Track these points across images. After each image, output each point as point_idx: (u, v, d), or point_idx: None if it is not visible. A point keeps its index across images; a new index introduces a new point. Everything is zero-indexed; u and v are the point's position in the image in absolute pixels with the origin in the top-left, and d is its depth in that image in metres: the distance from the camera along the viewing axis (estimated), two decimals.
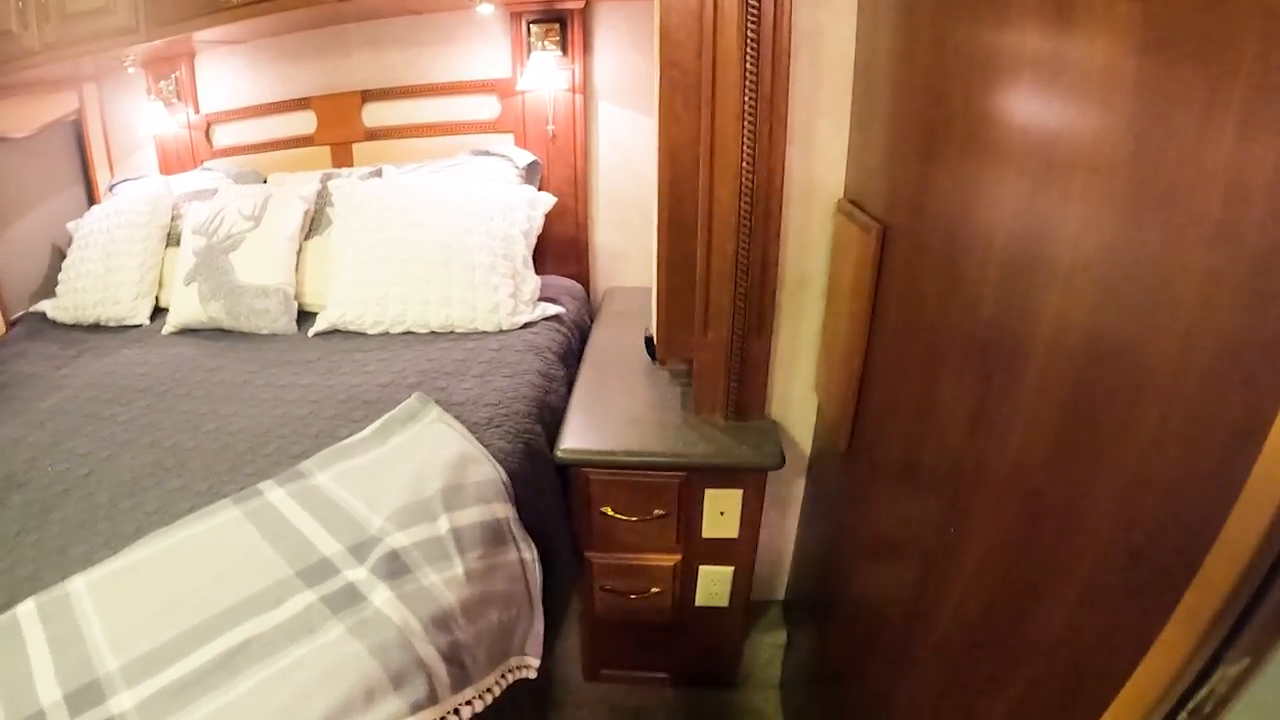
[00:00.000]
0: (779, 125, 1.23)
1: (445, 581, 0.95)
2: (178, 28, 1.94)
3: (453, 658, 0.88)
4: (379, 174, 2.10)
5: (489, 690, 0.93)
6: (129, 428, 1.39)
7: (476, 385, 1.49)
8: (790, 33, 1.16)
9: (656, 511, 1.48)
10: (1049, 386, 0.58)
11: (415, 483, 1.09)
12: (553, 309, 1.91)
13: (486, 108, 2.24)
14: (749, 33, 1.14)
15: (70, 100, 2.39)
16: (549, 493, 1.41)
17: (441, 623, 0.89)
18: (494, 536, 1.08)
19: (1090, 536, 0.52)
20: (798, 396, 1.54)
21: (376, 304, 1.80)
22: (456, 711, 0.85)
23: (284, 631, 0.86)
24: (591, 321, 2.12)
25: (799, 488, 1.69)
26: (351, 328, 1.82)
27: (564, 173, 2.26)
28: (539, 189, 2.19)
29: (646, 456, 1.40)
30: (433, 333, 1.80)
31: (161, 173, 2.47)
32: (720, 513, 1.49)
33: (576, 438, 1.43)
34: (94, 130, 2.49)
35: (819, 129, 1.29)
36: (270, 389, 1.52)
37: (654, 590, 1.59)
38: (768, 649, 1.85)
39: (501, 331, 1.79)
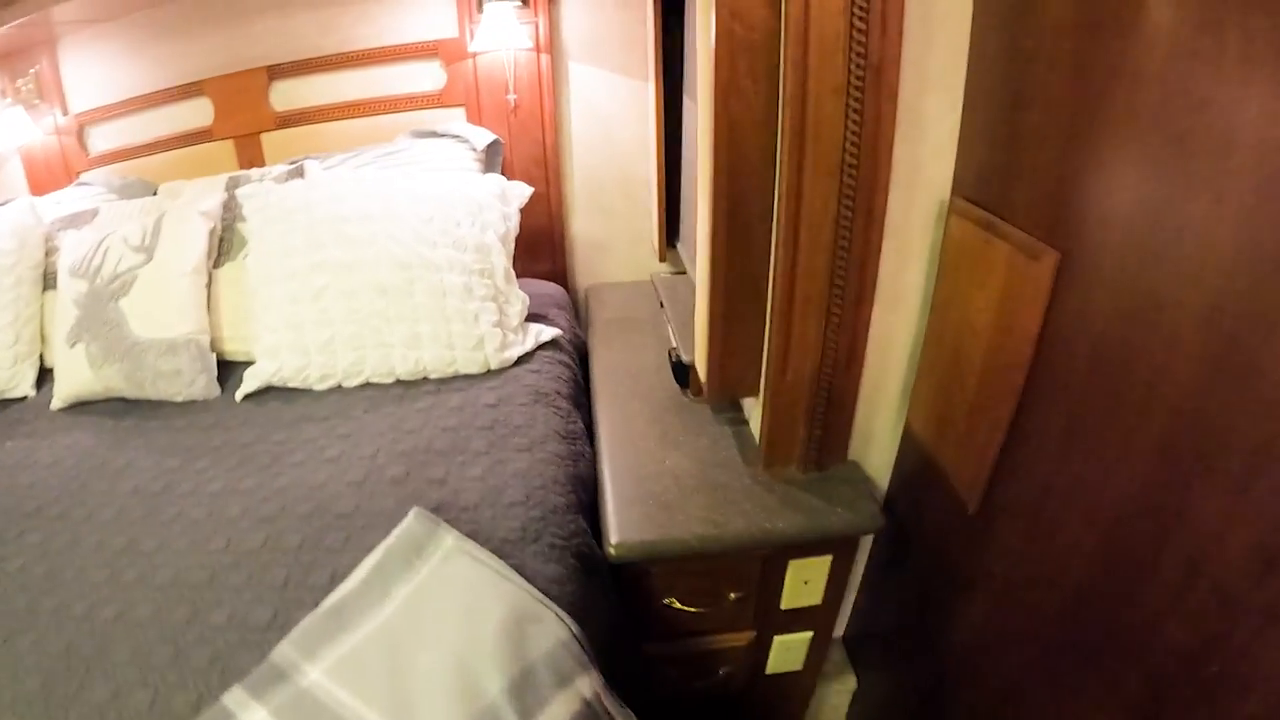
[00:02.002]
0: (888, 102, 0.89)
1: None
2: (19, 9, 1.46)
3: None
4: (300, 173, 1.65)
5: None
6: (22, 587, 0.96)
7: (486, 471, 1.13)
8: None
9: (732, 595, 1.20)
10: None
11: (461, 676, 0.75)
12: (548, 332, 1.54)
13: (429, 77, 1.79)
14: None
15: None
16: (601, 593, 1.10)
17: None
18: None
19: None
20: (879, 430, 1.26)
21: (320, 352, 1.39)
22: None
23: None
24: (584, 335, 1.77)
25: None
26: (292, 384, 1.41)
27: (530, 151, 1.85)
28: (500, 173, 1.78)
29: (725, 542, 1.09)
30: (399, 382, 1.41)
31: (32, 193, 1.89)
32: (804, 582, 1.23)
33: (627, 525, 1.10)
34: None
35: (927, 106, 0.97)
36: (200, 501, 1.11)
37: (722, 671, 1.33)
38: (834, 694, 1.63)
39: (490, 373, 1.42)
